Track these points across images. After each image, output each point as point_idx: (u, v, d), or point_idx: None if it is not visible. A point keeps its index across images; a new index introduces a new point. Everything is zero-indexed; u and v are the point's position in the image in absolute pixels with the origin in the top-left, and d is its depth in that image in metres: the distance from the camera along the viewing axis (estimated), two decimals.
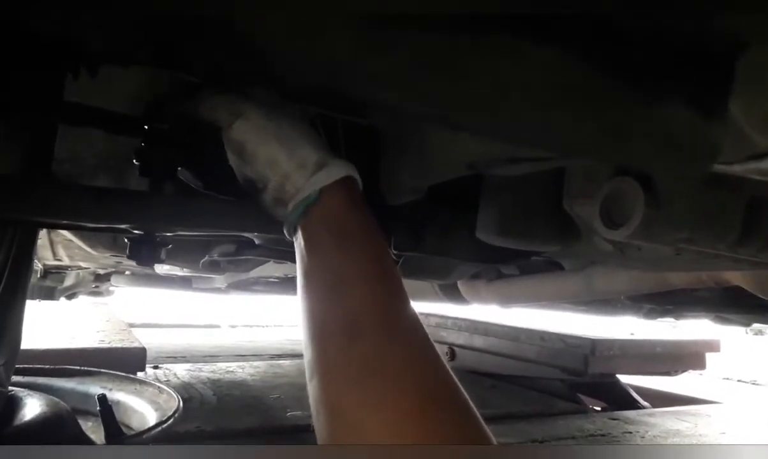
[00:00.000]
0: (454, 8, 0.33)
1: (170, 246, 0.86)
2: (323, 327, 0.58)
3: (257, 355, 3.36)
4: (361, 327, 0.56)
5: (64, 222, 0.89)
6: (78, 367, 1.23)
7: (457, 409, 0.53)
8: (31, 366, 1.21)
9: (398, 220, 1.01)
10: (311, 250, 0.65)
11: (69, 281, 3.60)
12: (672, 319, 1.95)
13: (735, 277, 1.06)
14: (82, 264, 2.63)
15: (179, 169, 0.88)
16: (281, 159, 0.69)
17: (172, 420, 0.98)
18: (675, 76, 0.41)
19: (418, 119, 0.63)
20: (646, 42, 0.38)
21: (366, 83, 0.37)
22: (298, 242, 0.67)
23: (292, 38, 0.34)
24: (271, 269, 1.94)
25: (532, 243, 0.96)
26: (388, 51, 0.35)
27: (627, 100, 0.41)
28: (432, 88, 0.39)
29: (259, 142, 0.71)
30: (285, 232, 0.70)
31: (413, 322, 0.61)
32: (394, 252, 1.03)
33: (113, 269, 3.16)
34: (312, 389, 0.55)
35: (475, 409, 0.53)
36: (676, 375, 2.90)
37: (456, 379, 0.56)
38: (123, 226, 0.81)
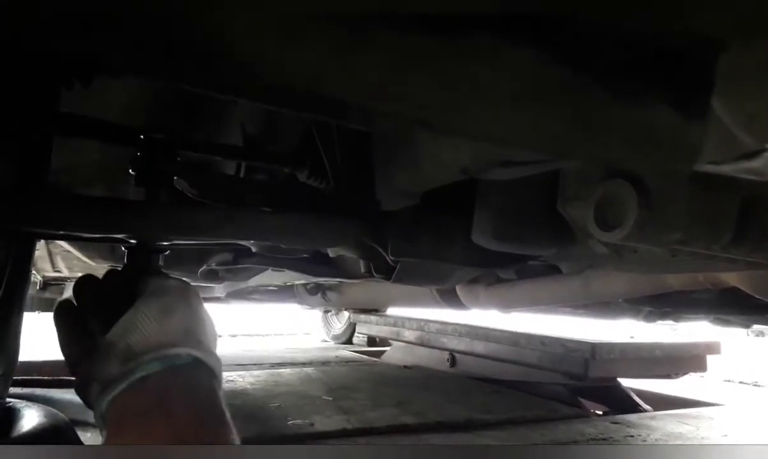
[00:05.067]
0: (428, 8, 0.33)
1: (167, 253, 0.86)
2: None
3: (257, 364, 3.35)
4: None
5: (60, 232, 0.90)
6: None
7: None
8: (29, 377, 1.20)
9: (394, 225, 1.01)
10: None
11: (69, 293, 3.60)
12: (671, 322, 1.95)
13: (731, 278, 1.06)
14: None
15: (175, 178, 0.88)
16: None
17: None
18: (654, 77, 0.41)
19: (394, 121, 0.63)
20: (624, 42, 0.39)
21: (344, 85, 0.37)
22: None
23: (268, 41, 0.34)
24: (270, 277, 1.94)
25: (528, 246, 0.96)
26: (365, 53, 0.35)
27: (606, 101, 0.41)
28: (409, 90, 0.39)
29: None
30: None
31: None
32: (391, 258, 1.03)
33: None
34: None
35: None
36: (677, 378, 2.90)
37: None
38: (119, 236, 0.81)
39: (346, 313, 4.46)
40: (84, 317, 0.68)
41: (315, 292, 2.68)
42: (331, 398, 2.36)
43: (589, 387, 2.60)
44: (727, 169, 0.43)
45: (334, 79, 0.37)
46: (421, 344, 3.36)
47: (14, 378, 0.94)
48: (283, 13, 0.33)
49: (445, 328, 3.18)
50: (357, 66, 0.37)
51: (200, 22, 0.33)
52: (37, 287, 3.04)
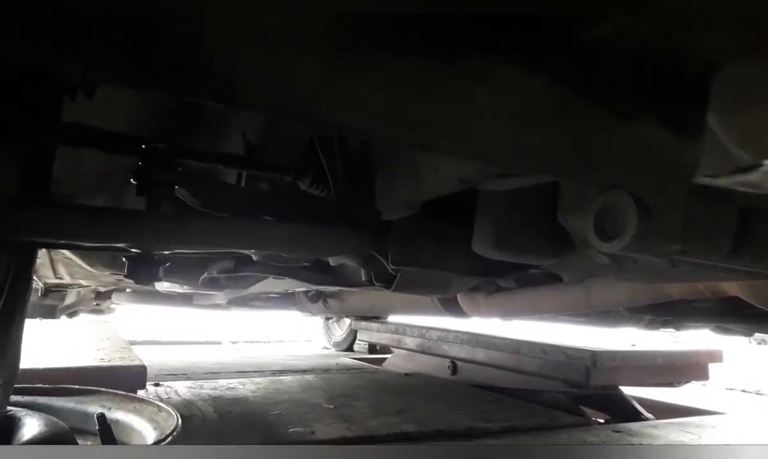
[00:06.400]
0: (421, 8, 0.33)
1: (168, 264, 0.87)
2: None
3: (259, 372, 3.35)
4: None
5: (62, 242, 0.90)
6: (77, 386, 1.23)
7: None
8: (29, 385, 1.21)
9: (394, 234, 1.02)
10: None
11: (70, 299, 3.61)
12: (673, 330, 1.95)
13: (732, 288, 1.06)
14: (83, 282, 2.64)
15: (176, 187, 0.89)
16: None
17: (170, 438, 0.98)
18: (649, 96, 0.41)
19: (392, 142, 0.63)
20: (619, 63, 0.39)
21: (340, 108, 0.38)
22: None
23: (264, 66, 0.35)
24: (271, 285, 1.94)
25: (528, 256, 0.96)
26: (361, 76, 0.36)
27: (600, 120, 0.41)
28: (406, 111, 0.39)
29: None
30: None
31: None
32: (391, 267, 1.03)
33: (114, 287, 3.16)
34: None
35: None
36: (678, 386, 2.88)
37: None
38: (120, 245, 0.81)
39: (347, 321, 4.46)
40: None
41: (316, 299, 2.68)
42: (332, 406, 2.36)
43: (591, 395, 2.59)
44: (724, 182, 0.43)
45: (329, 100, 0.37)
46: (422, 352, 3.35)
47: (15, 386, 0.94)
48: (279, 34, 0.34)
49: (446, 335, 3.17)
50: (351, 88, 0.37)
51: (199, 40, 0.34)
52: (39, 294, 3.04)
